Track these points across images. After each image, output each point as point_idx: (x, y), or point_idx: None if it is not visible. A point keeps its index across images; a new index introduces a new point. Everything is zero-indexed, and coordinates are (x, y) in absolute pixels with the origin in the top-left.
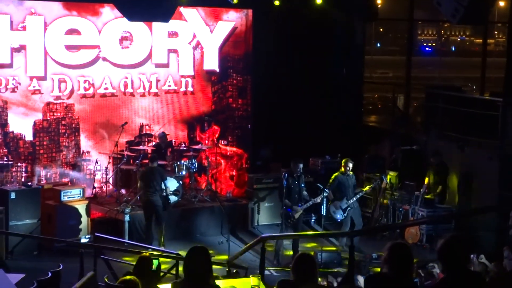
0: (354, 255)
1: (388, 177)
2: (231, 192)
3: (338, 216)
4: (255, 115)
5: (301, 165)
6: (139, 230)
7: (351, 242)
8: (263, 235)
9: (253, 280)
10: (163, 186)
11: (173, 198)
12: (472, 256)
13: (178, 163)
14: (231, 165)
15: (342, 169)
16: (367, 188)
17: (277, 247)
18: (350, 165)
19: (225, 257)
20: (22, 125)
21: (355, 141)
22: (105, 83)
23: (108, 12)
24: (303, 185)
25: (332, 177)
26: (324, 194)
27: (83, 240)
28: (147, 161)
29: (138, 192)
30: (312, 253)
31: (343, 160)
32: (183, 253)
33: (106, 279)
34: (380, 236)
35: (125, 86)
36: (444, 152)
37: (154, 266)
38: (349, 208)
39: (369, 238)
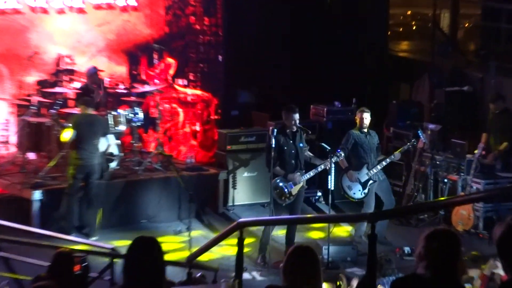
0: (376, 250)
1: (428, 132)
2: (193, 156)
3: (355, 192)
4: (230, 42)
5: (297, 116)
6: (56, 213)
7: (372, 230)
8: (241, 219)
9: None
10: (102, 144)
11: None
12: None
13: (115, 113)
14: (193, 116)
15: (357, 123)
16: (398, 150)
17: (263, 239)
18: (367, 116)
19: (185, 253)
20: None
21: (377, 80)
22: None
23: None
24: (301, 144)
25: (347, 134)
26: (335, 158)
27: None
28: (67, 110)
29: (65, 149)
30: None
31: (358, 111)
32: (122, 247)
33: None
34: (415, 221)
35: None
36: (509, 94)
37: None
38: (371, 182)
39: (399, 224)
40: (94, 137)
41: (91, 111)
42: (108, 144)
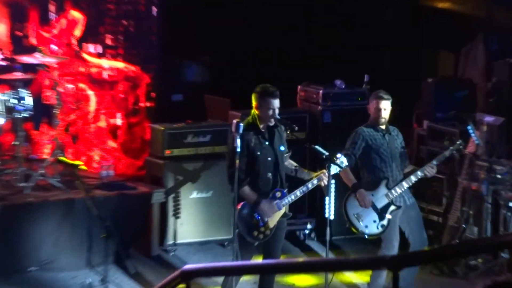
0: None
1: (483, 127)
2: (111, 166)
3: (368, 225)
4: None
5: (276, 103)
6: None
7: (395, 282)
8: (187, 266)
9: None
10: None
11: None
12: None
13: None
14: (112, 102)
15: (371, 115)
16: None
17: None
18: (387, 104)
19: None
20: None
21: (402, 47)
22: None
23: None
24: (282, 147)
25: (353, 133)
26: (335, 169)
27: None
28: None
29: None
30: None
31: (372, 96)
32: None
33: None
34: (464, 269)
35: None
36: None
37: None
38: (392, 208)
39: (439, 274)
40: None
41: None
42: None
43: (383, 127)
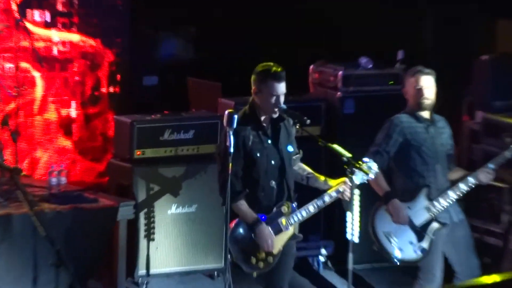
0: None
1: None
2: (63, 171)
3: (403, 248)
4: None
5: (282, 88)
6: None
7: None
8: None
9: None
10: None
11: None
12: None
13: None
14: (63, 87)
15: (410, 99)
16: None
17: None
18: (429, 82)
19: None
20: None
21: (446, 13)
22: None
23: None
24: (289, 147)
25: (387, 124)
26: (360, 177)
27: None
28: None
29: None
30: None
31: (410, 73)
32: None
33: None
34: None
35: None
36: None
37: None
38: (436, 226)
39: None
40: None
41: None
42: None
43: (427, 115)
